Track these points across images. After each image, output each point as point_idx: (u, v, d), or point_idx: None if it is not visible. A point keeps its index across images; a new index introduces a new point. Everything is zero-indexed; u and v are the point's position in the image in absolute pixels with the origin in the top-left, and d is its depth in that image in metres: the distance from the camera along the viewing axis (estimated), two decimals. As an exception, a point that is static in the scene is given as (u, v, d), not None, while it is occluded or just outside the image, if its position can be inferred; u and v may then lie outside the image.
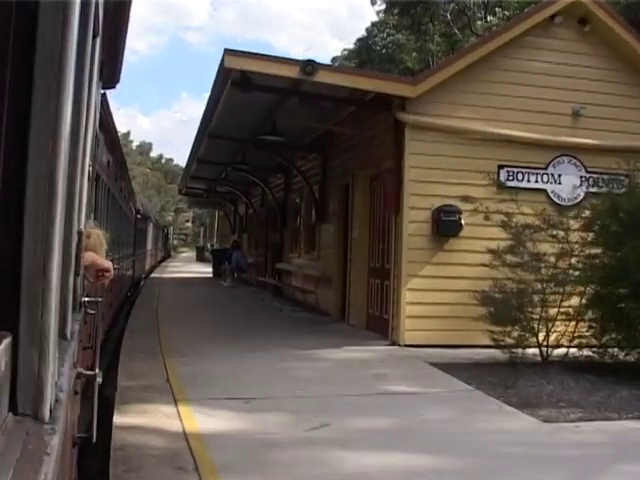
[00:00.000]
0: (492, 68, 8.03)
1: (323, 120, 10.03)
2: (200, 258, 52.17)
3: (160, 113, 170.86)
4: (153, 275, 27.00)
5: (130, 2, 2.48)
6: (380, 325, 8.52)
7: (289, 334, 8.36)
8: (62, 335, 1.32)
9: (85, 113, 1.46)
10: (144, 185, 73.05)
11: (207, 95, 9.97)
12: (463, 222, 7.64)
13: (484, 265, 6.75)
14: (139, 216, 19.48)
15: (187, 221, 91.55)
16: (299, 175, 12.91)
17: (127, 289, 14.89)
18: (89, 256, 2.10)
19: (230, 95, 8.22)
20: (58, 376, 1.02)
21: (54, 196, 0.83)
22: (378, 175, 8.74)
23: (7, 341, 0.78)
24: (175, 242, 74.14)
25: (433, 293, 7.59)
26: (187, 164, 17.39)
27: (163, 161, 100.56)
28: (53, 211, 0.84)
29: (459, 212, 7.63)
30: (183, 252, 73.37)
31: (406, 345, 7.36)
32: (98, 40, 1.81)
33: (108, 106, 7.32)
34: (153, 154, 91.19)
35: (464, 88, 7.94)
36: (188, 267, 35.82)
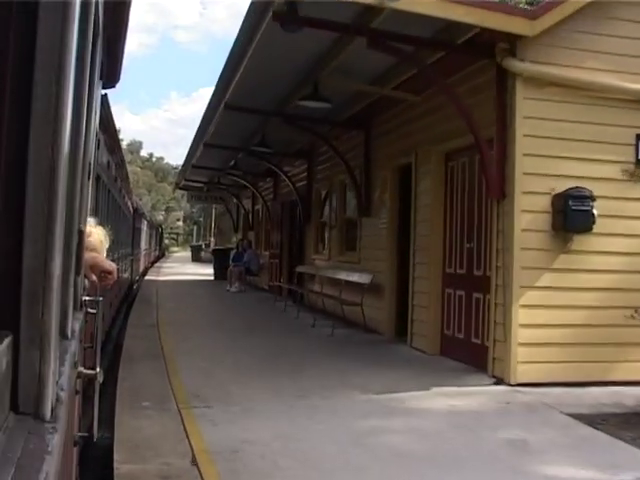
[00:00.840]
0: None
1: (381, 81, 9.51)
2: (196, 258, 55.46)
3: (150, 112, 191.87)
4: (148, 277, 28.08)
5: (130, 2, 2.78)
6: (466, 352, 8.05)
7: (341, 363, 7.81)
8: (63, 334, 1.53)
9: (86, 112, 1.68)
10: (134, 184, 78.86)
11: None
12: (596, 213, 6.94)
13: (628, 272, 6.56)
14: (136, 216, 22.02)
15: (178, 220, 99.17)
16: (333, 159, 12.56)
17: (123, 293, 16.60)
18: (92, 257, 2.46)
19: (267, 36, 7.49)
20: (59, 375, 1.24)
21: (55, 195, 1.01)
22: (465, 150, 8.09)
23: (8, 340, 0.95)
24: (167, 242, 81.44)
25: (555, 311, 6.92)
26: (189, 152, 17.88)
27: (154, 160, 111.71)
28: (54, 210, 1.01)
29: (592, 198, 6.89)
30: (175, 252, 79.43)
31: (519, 384, 6.70)
32: (99, 40, 2.09)
33: (109, 106, 7.89)
34: (143, 153, 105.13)
35: (597, 28, 7.10)
36: (184, 268, 38.17)
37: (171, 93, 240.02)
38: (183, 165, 21.77)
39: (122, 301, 16.60)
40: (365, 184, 11.59)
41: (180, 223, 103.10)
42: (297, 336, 10.60)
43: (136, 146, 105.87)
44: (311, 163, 15.57)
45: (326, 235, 14.52)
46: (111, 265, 2.55)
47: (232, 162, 17.87)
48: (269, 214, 20.79)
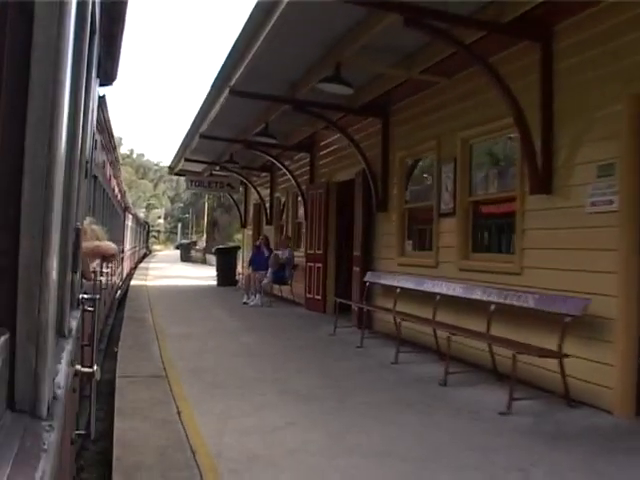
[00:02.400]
0: None
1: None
2: (186, 258, 51.60)
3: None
4: (135, 282, 22.36)
5: (127, 0, 2.81)
6: None
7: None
8: (60, 332, 1.56)
9: (83, 110, 1.69)
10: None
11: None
12: None
13: None
14: (126, 214, 21.02)
15: (159, 218, 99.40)
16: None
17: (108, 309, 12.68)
18: (94, 245, 2.52)
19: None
20: (56, 373, 1.24)
21: (51, 192, 1.02)
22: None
23: (4, 338, 0.95)
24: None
25: None
26: (192, 127, 14.06)
27: (134, 156, 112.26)
28: (50, 207, 1.02)
29: None
30: (158, 250, 77.10)
31: None
32: (95, 37, 2.08)
33: (105, 105, 7.91)
34: (123, 149, 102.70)
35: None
36: (174, 269, 33.82)
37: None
38: (187, 137, 15.74)
39: (105, 318, 11.85)
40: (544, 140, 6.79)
41: (161, 221, 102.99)
42: (434, 416, 5.67)
43: (116, 142, 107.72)
44: (386, 120, 10.79)
45: (433, 228, 9.13)
46: (112, 249, 2.62)
47: (261, 128, 12.67)
48: (304, 201, 15.05)
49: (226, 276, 21.52)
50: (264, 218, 19.78)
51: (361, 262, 11.55)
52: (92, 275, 2.47)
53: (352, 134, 11.38)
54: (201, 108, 12.45)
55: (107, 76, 3.54)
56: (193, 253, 53.01)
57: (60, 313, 1.52)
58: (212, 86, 10.68)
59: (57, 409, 1.16)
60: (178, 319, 12.37)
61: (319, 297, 13.98)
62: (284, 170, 16.33)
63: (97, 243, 2.47)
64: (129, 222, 24.71)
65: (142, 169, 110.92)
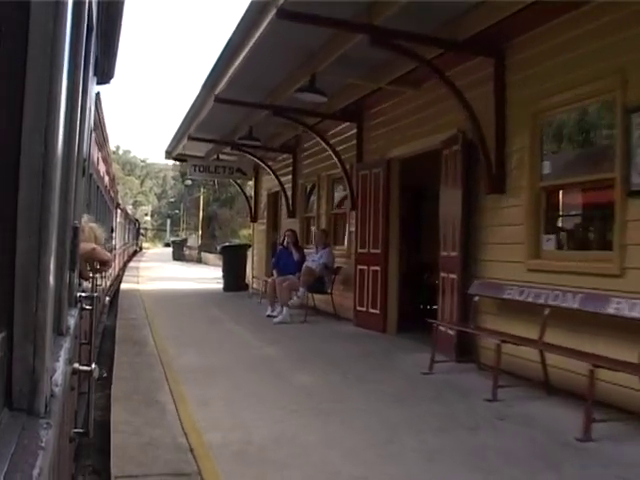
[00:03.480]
0: None
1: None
2: (178, 257, 48.61)
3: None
4: (126, 285, 19.65)
5: None
6: None
7: None
8: (58, 330, 1.57)
9: (80, 108, 1.69)
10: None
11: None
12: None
13: None
14: (118, 210, 20.36)
15: (146, 215, 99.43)
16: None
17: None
18: (91, 247, 2.52)
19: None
20: (53, 371, 1.25)
21: (48, 190, 1.02)
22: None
23: (1, 336, 0.95)
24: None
25: None
26: (202, 91, 11.38)
27: (120, 152, 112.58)
28: (47, 205, 1.02)
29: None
30: (147, 248, 75.06)
31: None
32: (93, 35, 2.09)
33: (100, 102, 8.13)
34: (110, 145, 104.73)
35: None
36: (168, 270, 30.86)
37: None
38: (193, 108, 12.86)
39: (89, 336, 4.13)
40: None
41: (148, 218, 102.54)
42: None
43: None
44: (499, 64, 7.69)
45: (616, 214, 5.84)
46: (107, 255, 2.61)
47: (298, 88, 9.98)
48: (349, 185, 11.82)
49: (235, 279, 18.68)
50: (285, 209, 16.14)
51: (459, 266, 8.04)
52: (89, 275, 2.47)
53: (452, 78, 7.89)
54: (215, 66, 10.23)
55: (105, 74, 3.55)
56: (187, 251, 50.37)
57: (58, 311, 1.52)
58: (228, 43, 9.04)
59: (55, 407, 1.16)
60: (188, 340, 9.42)
61: (376, 311, 10.60)
62: (317, 148, 13.10)
63: (94, 246, 2.47)
64: (120, 219, 23.86)
65: (129, 165, 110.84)
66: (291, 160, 15.97)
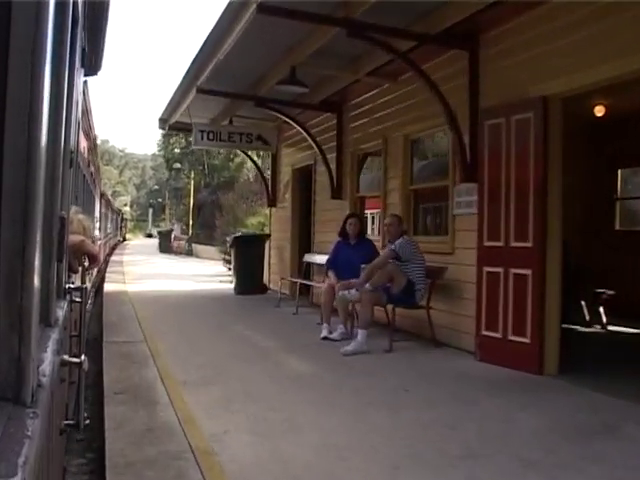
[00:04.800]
0: None
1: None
2: (165, 249, 44.87)
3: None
4: (110, 285, 16.21)
5: None
6: None
7: None
8: (46, 321, 1.57)
9: (66, 98, 1.68)
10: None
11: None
12: None
13: None
14: (103, 201, 19.73)
15: (125, 205, 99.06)
16: None
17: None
18: (80, 240, 2.51)
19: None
20: (41, 361, 1.24)
21: (32, 181, 1.02)
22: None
23: None
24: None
25: None
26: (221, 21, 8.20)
27: (99, 142, 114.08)
28: (32, 196, 1.02)
29: None
30: (128, 239, 71.65)
31: None
32: (78, 26, 2.08)
33: (87, 92, 8.17)
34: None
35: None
36: (157, 264, 27.45)
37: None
38: (206, 47, 9.45)
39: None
40: None
41: (127, 208, 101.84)
42: None
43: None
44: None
45: None
46: (95, 249, 2.59)
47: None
48: (460, 145, 7.93)
49: (250, 279, 14.70)
50: (322, 188, 12.50)
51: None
52: (79, 268, 2.45)
53: None
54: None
55: (92, 66, 3.54)
56: (176, 243, 46.32)
57: (45, 302, 1.53)
58: None
59: (42, 397, 1.16)
60: (226, 392, 5.80)
61: (523, 339, 6.86)
62: (382, 99, 10.12)
63: (82, 238, 2.46)
64: (105, 209, 22.92)
65: (107, 155, 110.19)
66: (334, 122, 12.03)
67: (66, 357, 1.91)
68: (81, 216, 2.84)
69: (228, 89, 11.40)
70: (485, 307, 7.37)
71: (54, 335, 1.57)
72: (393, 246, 8.11)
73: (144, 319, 10.28)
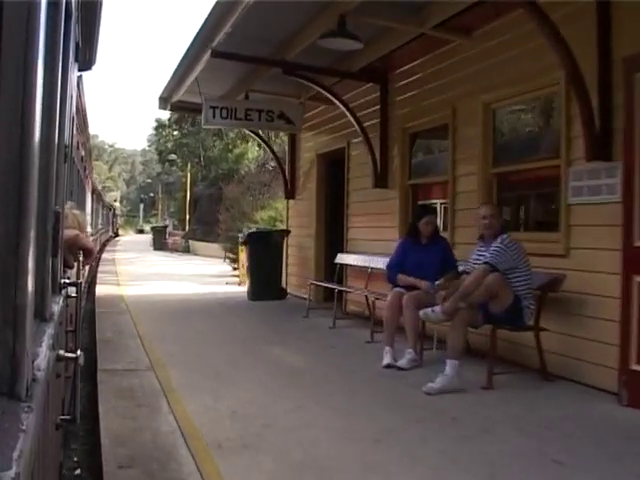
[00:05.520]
0: None
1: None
2: (159, 246, 42.01)
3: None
4: (102, 288, 14.11)
5: None
6: None
7: None
8: (41, 316, 1.57)
9: (59, 94, 1.68)
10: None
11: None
12: None
13: None
14: (94, 196, 19.29)
15: (115, 201, 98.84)
16: None
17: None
18: (74, 234, 2.51)
19: None
20: (36, 356, 1.24)
21: (26, 176, 1.02)
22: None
23: None
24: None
25: None
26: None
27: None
28: (25, 191, 1.02)
29: None
30: (120, 235, 69.66)
31: None
32: (72, 21, 2.08)
33: (82, 88, 7.85)
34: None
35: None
36: (153, 263, 25.81)
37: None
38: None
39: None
40: None
41: (117, 204, 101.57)
42: None
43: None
44: None
45: None
46: (90, 243, 2.59)
47: None
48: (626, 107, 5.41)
49: (267, 282, 12.87)
50: (369, 175, 10.02)
51: None
52: (74, 263, 2.45)
53: None
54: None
55: (86, 61, 3.53)
56: (171, 240, 43.55)
57: (40, 297, 1.53)
58: None
59: (37, 391, 1.16)
60: (281, 461, 3.96)
61: None
62: (451, 61, 8.28)
63: (77, 232, 2.45)
64: (97, 205, 22.25)
65: (97, 150, 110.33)
66: (377, 94, 10.01)
67: (62, 352, 1.91)
68: (76, 211, 2.84)
69: (248, 53, 9.30)
70: (638, 332, 5.21)
71: (49, 330, 1.57)
72: (489, 258, 5.99)
73: (147, 335, 8.39)
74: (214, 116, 11.56)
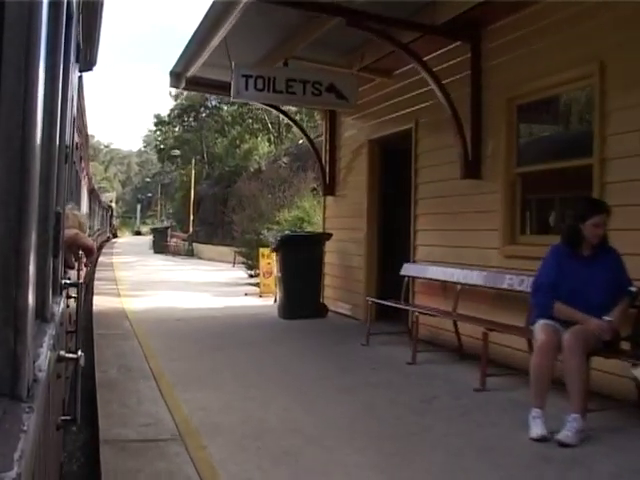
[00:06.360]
0: None
1: None
2: (160, 248, 39.68)
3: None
4: (101, 300, 12.27)
5: None
6: None
7: None
8: (42, 317, 1.57)
9: (61, 95, 1.69)
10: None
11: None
12: None
13: None
14: (92, 196, 19.43)
15: (111, 201, 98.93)
16: None
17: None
18: (74, 233, 2.52)
19: None
20: (37, 356, 1.25)
21: (27, 176, 1.02)
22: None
23: None
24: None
25: None
26: None
27: None
28: (26, 191, 1.02)
29: None
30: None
31: None
32: (73, 22, 2.09)
33: (82, 87, 7.91)
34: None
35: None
36: (155, 268, 23.97)
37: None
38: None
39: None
40: None
41: (113, 205, 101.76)
42: None
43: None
44: None
45: None
46: (90, 241, 2.60)
47: None
48: None
49: (302, 297, 10.74)
50: (453, 163, 7.80)
51: None
52: (75, 263, 2.46)
53: None
54: None
55: (87, 61, 3.53)
56: (173, 242, 41.14)
57: (41, 298, 1.53)
58: None
59: (38, 391, 1.16)
60: None
61: None
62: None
63: (76, 231, 2.46)
64: (94, 205, 21.87)
65: (92, 150, 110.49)
66: (468, 55, 7.74)
67: (62, 353, 1.91)
68: (77, 212, 2.85)
69: None
70: None
71: (50, 330, 1.58)
72: None
73: (165, 375, 6.18)
74: (247, 87, 9.05)
